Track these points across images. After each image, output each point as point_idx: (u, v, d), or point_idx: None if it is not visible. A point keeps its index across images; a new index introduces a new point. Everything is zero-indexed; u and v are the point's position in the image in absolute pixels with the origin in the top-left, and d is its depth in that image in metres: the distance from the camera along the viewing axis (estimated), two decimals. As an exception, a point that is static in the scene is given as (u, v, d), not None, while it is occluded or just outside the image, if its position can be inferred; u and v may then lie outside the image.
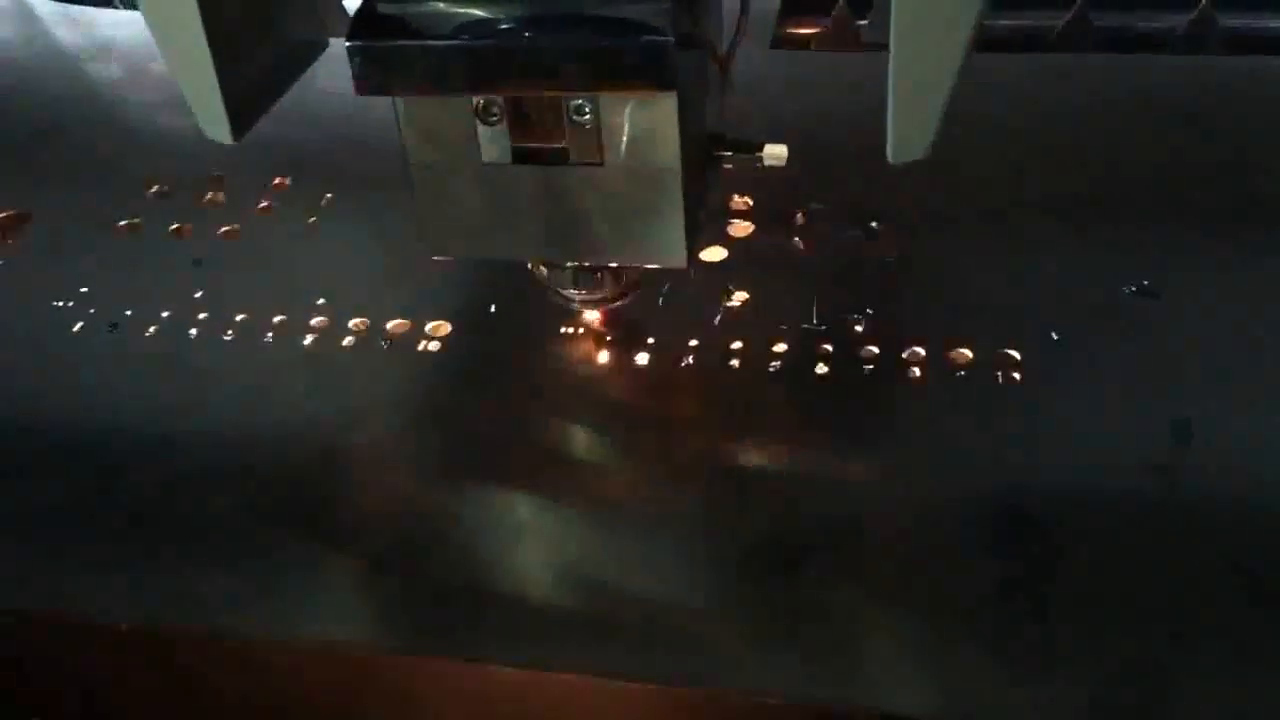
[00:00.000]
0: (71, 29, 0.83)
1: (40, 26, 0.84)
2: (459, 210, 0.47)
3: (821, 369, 0.51)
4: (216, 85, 0.42)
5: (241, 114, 0.44)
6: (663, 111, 0.43)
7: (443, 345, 0.54)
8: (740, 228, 0.59)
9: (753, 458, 0.48)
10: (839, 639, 0.41)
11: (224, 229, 0.62)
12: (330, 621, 0.43)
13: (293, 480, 0.49)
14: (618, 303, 0.52)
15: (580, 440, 0.50)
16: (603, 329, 0.54)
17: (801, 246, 0.58)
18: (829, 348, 0.51)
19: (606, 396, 0.51)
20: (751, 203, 0.60)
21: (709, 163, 0.48)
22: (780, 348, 0.52)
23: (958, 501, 0.45)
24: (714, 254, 0.57)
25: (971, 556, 0.43)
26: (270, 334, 0.56)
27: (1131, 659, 0.39)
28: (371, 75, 0.42)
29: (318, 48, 0.49)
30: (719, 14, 0.48)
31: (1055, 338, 0.51)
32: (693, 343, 0.52)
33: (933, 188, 0.59)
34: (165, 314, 0.57)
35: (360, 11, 0.42)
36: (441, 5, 0.41)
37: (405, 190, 0.46)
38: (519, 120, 0.44)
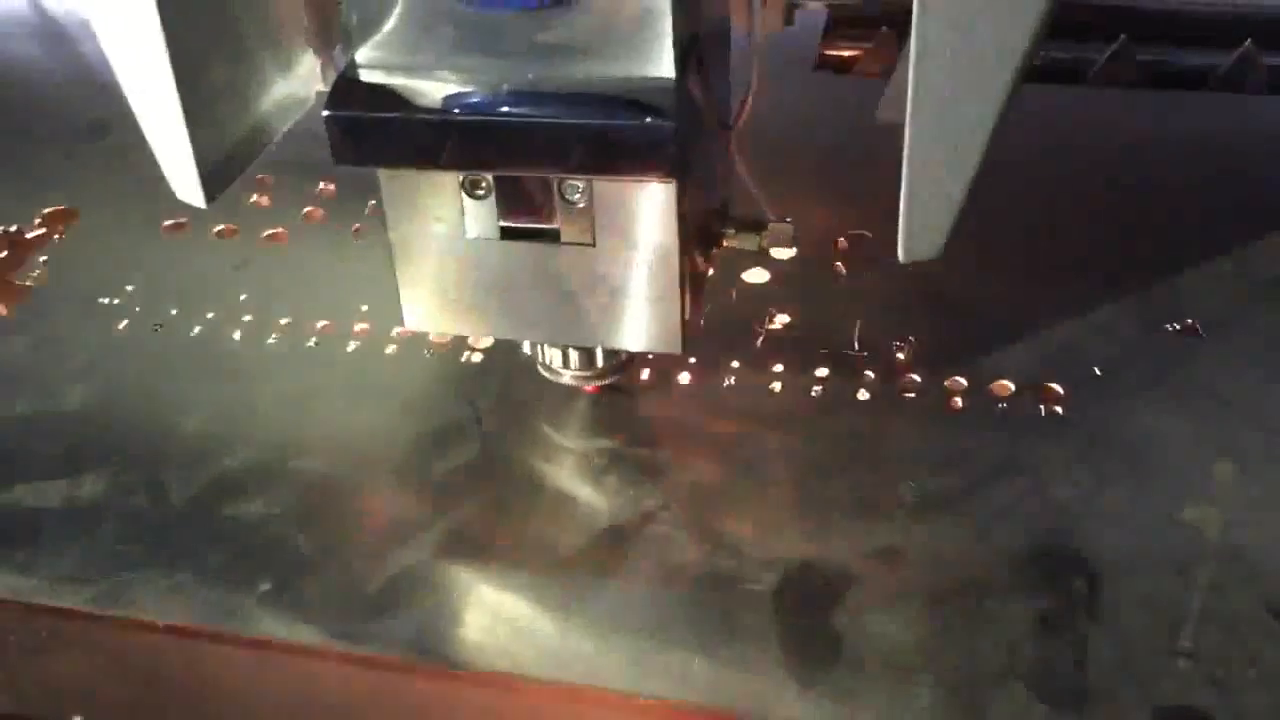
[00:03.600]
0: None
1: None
2: (441, 285, 0.45)
3: (863, 395, 0.51)
4: (190, 151, 0.40)
5: (214, 177, 0.41)
6: (661, 193, 0.40)
7: (486, 356, 0.54)
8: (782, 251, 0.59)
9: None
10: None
11: (269, 232, 0.63)
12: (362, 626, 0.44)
13: (331, 486, 0.49)
14: (611, 379, 0.50)
15: (600, 464, 0.50)
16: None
17: (844, 271, 0.58)
18: (870, 374, 0.52)
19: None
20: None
21: (710, 240, 0.46)
22: (821, 372, 0.52)
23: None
24: (756, 276, 0.58)
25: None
26: (314, 339, 0.56)
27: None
28: (350, 147, 0.39)
29: (303, 103, 0.46)
30: (726, 77, 0.45)
31: (1098, 372, 0.51)
32: (734, 364, 0.53)
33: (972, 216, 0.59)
34: (210, 315, 0.58)
35: (339, 81, 0.40)
36: (426, 77, 0.39)
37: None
38: (507, 196, 0.42)
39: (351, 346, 0.55)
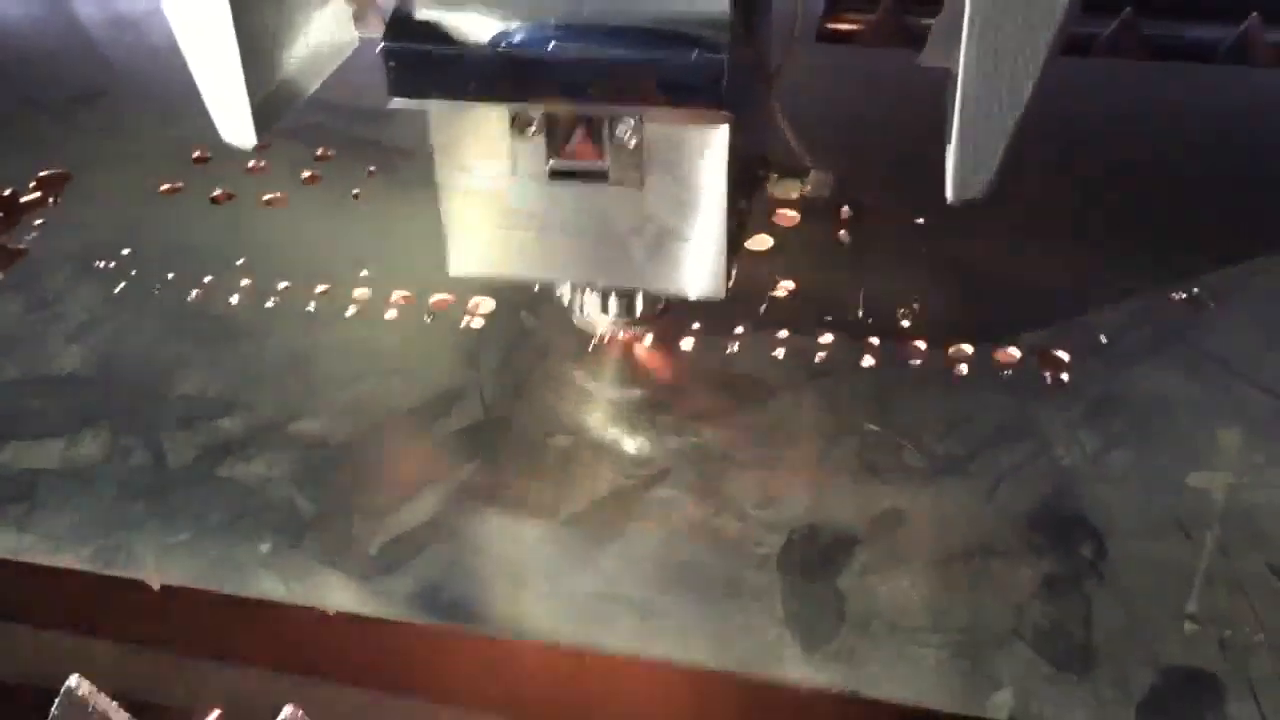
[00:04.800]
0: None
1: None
2: (486, 227, 0.45)
3: (868, 361, 0.51)
4: (244, 90, 0.40)
5: (263, 116, 0.42)
6: (712, 133, 0.40)
7: (486, 321, 0.54)
8: (786, 218, 0.59)
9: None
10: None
11: (268, 196, 0.62)
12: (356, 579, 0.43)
13: (331, 450, 0.48)
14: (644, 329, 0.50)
15: (608, 423, 0.50)
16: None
17: (847, 239, 0.57)
18: (875, 340, 0.51)
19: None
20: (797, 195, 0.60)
21: (753, 186, 0.46)
22: (826, 338, 0.52)
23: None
24: (760, 243, 0.57)
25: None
26: (313, 303, 0.55)
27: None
28: (406, 80, 0.40)
29: (346, 46, 0.46)
30: (769, 25, 0.45)
31: (1104, 340, 0.51)
32: (738, 330, 0.52)
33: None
34: (208, 279, 0.57)
35: (396, 13, 0.40)
36: (482, 11, 0.39)
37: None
38: (555, 136, 0.42)
39: (351, 310, 0.55)
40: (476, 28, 0.39)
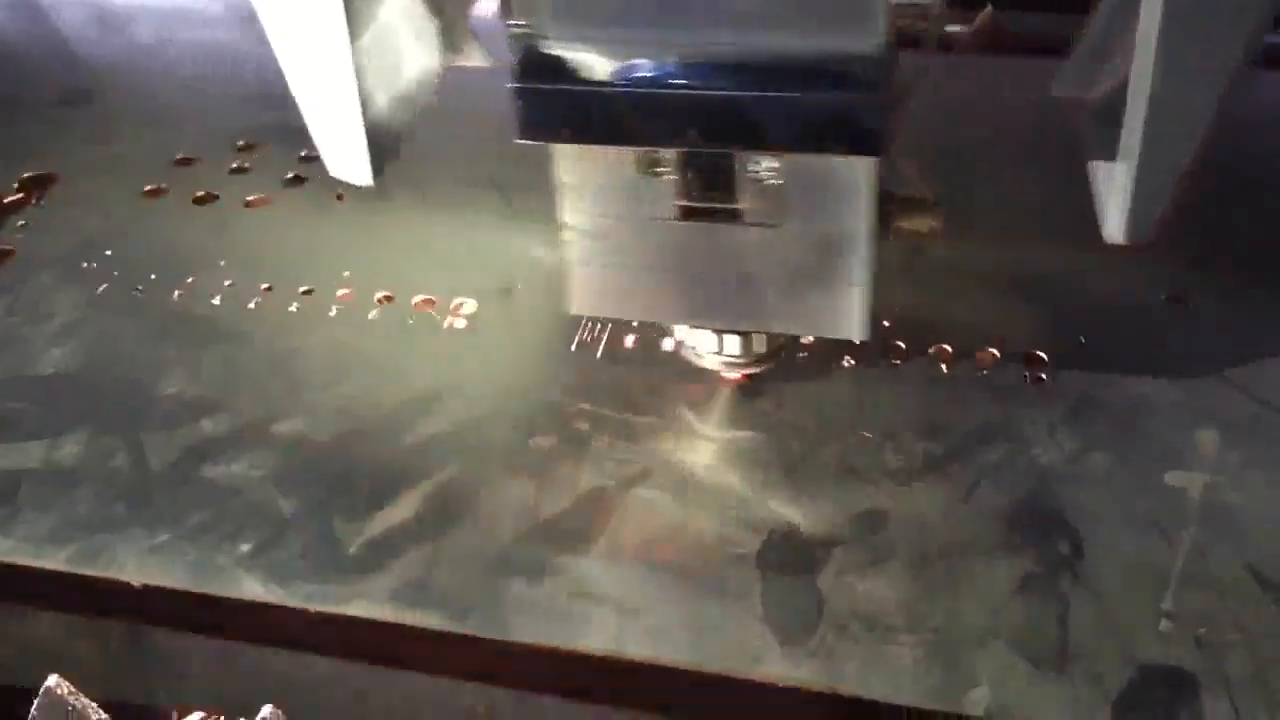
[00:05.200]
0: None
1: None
2: (611, 267, 0.43)
3: (849, 361, 0.51)
4: (363, 131, 0.39)
5: (379, 154, 0.40)
6: (858, 171, 0.38)
7: (469, 324, 0.54)
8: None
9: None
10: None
11: (251, 198, 0.62)
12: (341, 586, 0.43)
13: (313, 451, 0.48)
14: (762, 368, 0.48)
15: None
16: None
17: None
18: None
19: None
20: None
21: (882, 220, 0.43)
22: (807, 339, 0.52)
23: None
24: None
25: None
26: (295, 304, 0.55)
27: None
28: (538, 122, 0.38)
29: (438, 76, 0.44)
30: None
31: (1084, 341, 0.51)
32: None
33: (961, 187, 0.59)
34: (190, 280, 0.57)
35: (527, 52, 0.37)
36: (618, 48, 0.36)
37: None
38: (689, 174, 0.40)
39: (334, 311, 0.55)
40: (612, 66, 0.37)
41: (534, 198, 0.59)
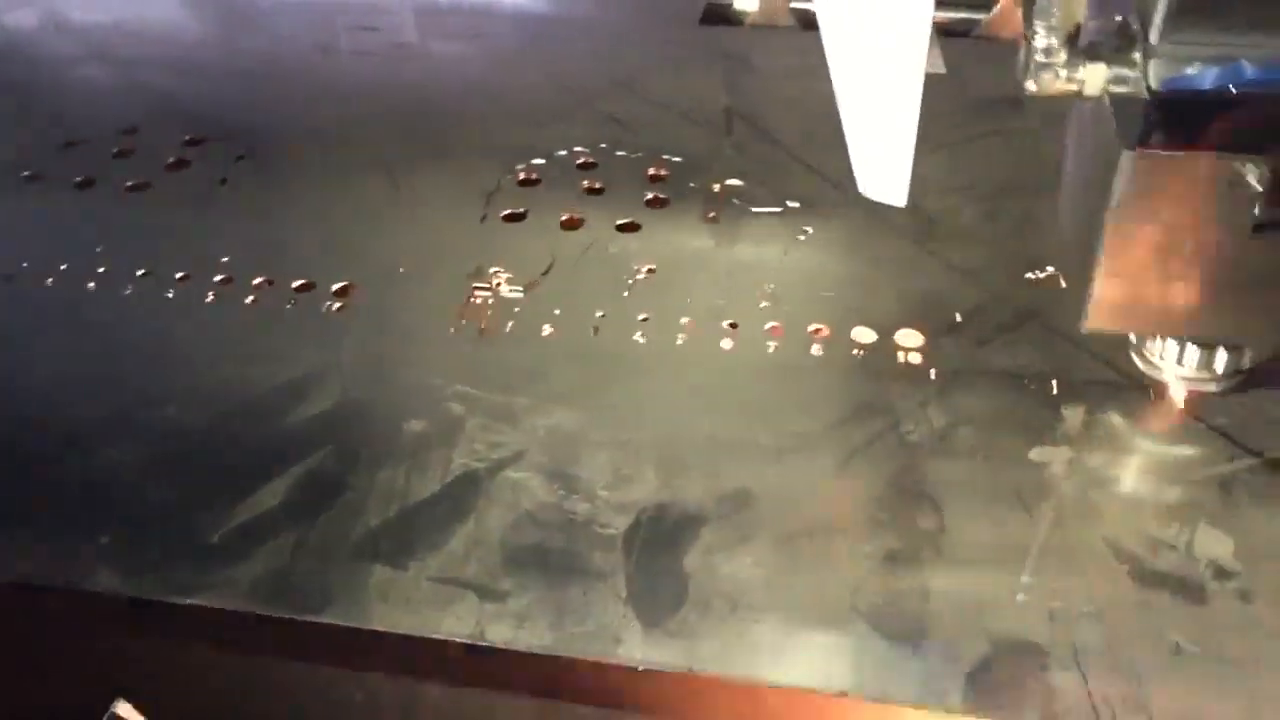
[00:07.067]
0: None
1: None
2: (1153, 280, 0.41)
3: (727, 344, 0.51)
4: (911, 155, 0.40)
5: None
6: None
7: (344, 306, 0.53)
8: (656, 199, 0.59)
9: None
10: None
11: (131, 182, 0.61)
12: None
13: (191, 437, 0.48)
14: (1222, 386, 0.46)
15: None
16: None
17: (715, 219, 0.58)
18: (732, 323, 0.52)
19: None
20: (667, 173, 0.60)
21: None
22: (684, 320, 0.52)
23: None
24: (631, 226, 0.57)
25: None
26: (171, 291, 0.54)
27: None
28: (1175, 129, 0.37)
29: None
30: None
31: (959, 319, 0.51)
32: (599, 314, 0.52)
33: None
34: (64, 267, 0.56)
35: (1159, 60, 0.37)
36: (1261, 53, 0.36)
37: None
38: (1275, 184, 0.38)
39: (210, 297, 0.54)
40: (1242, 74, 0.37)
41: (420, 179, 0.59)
